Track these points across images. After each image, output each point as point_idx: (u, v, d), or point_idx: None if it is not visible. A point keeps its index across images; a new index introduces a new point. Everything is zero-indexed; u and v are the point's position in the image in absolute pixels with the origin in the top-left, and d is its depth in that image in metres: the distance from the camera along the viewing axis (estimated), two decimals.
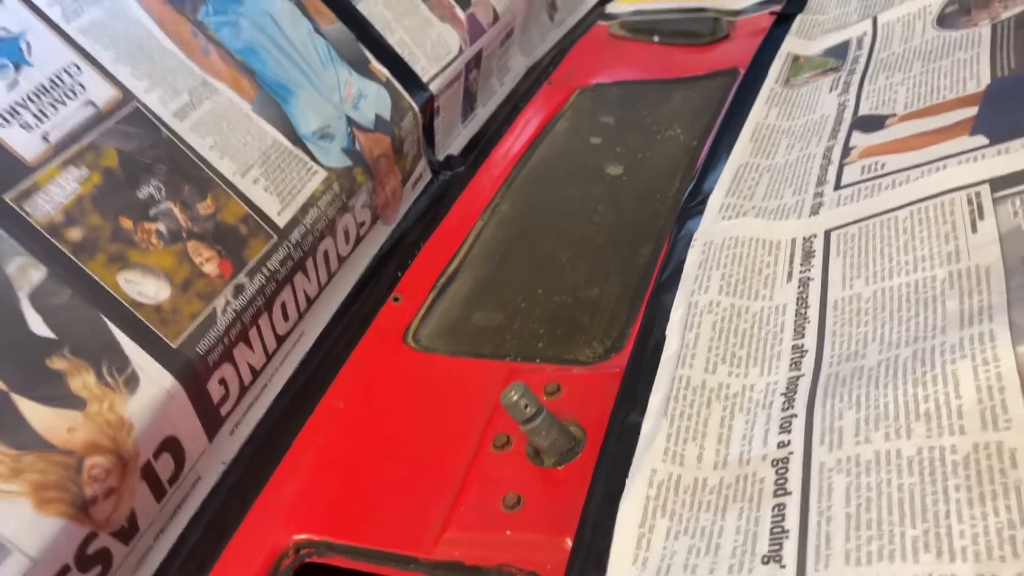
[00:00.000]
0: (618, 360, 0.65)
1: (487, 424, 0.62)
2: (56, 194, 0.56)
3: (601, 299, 0.73)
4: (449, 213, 0.87)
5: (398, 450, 0.63)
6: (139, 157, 0.62)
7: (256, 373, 0.65)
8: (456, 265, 0.81)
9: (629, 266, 0.76)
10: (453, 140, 0.98)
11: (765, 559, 0.43)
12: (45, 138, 0.58)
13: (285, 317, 0.68)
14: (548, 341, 0.70)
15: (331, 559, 0.57)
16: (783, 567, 0.42)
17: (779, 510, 0.45)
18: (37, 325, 0.52)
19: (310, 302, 0.72)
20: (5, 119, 0.56)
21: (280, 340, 0.68)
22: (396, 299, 0.77)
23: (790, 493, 0.45)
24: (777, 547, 0.43)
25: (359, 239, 0.78)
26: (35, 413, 0.50)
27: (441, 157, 0.95)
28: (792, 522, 0.44)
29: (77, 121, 0.59)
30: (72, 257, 0.55)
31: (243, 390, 0.64)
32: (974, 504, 0.39)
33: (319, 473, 0.62)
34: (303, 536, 0.58)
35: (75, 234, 0.56)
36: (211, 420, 0.61)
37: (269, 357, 0.67)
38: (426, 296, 0.77)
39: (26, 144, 0.57)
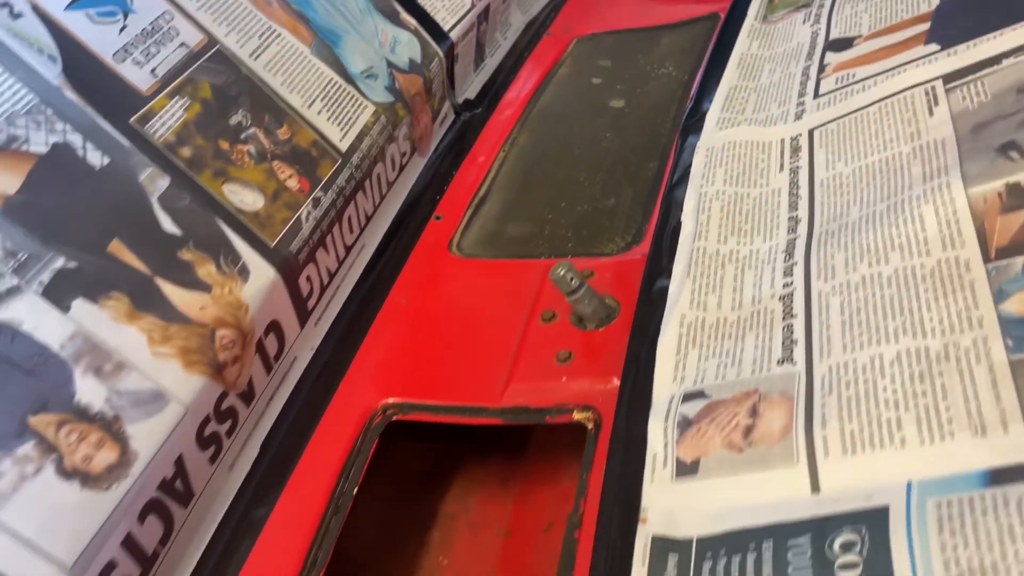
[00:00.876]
0: (639, 250, 0.76)
1: (534, 304, 0.73)
2: (168, 118, 0.67)
3: (618, 206, 0.85)
4: (474, 146, 0.99)
5: (459, 331, 0.74)
6: (226, 91, 0.72)
7: (331, 275, 0.76)
8: (486, 188, 0.92)
9: (639, 179, 0.88)
10: (468, 86, 1.09)
11: (780, 361, 0.55)
12: (153, 72, 0.68)
13: (351, 229, 0.79)
14: (576, 241, 0.82)
15: (414, 416, 0.68)
16: (794, 364, 0.54)
17: (788, 329, 0.57)
18: (167, 224, 0.63)
19: (368, 218, 0.83)
20: (122, 56, 0.66)
21: (348, 249, 0.79)
22: (438, 217, 0.88)
23: (796, 316, 0.57)
24: (788, 352, 0.55)
25: (402, 167, 0.89)
26: (174, 293, 0.61)
27: (460, 100, 1.06)
28: (799, 333, 0.55)
29: (176, 59, 0.70)
30: (187, 171, 0.66)
31: (323, 288, 0.75)
32: (939, 299, 0.51)
33: (396, 351, 0.73)
34: (389, 399, 0.69)
35: (186, 152, 0.67)
36: (302, 310, 0.72)
37: (340, 263, 0.78)
38: (463, 214, 0.88)
39: (139, 77, 0.67)
